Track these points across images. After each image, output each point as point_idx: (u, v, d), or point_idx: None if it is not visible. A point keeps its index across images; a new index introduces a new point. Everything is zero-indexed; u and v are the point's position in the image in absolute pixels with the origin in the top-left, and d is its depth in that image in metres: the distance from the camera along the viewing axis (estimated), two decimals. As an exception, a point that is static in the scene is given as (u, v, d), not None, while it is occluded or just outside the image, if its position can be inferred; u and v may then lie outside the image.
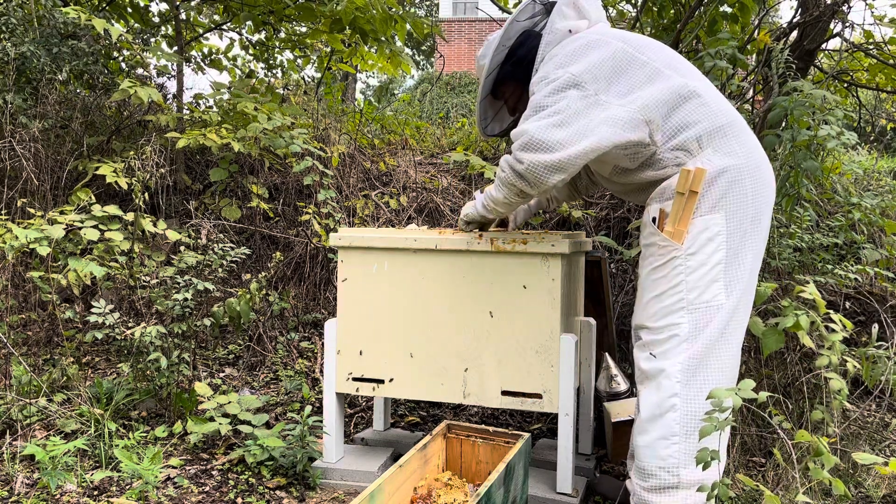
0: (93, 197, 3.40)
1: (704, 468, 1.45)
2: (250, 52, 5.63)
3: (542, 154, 1.81)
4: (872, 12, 3.63)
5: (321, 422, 2.41)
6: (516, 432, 2.10)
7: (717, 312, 1.81)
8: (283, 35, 5.26)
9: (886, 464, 1.48)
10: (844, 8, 3.35)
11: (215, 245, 3.04)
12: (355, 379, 2.36)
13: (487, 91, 2.20)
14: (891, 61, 3.74)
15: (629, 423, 2.39)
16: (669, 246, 1.83)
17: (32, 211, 3.18)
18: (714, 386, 1.79)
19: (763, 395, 1.42)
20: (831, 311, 2.07)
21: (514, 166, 1.88)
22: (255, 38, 5.48)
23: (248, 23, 4.79)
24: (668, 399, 1.80)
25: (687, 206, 1.81)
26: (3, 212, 3.37)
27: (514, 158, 1.88)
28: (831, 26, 3.48)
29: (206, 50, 5.48)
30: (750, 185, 1.85)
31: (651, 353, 1.86)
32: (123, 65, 4.55)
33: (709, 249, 1.81)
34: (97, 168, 3.52)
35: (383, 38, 4.49)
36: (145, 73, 4.58)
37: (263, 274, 3.38)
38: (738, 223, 1.83)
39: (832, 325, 2.12)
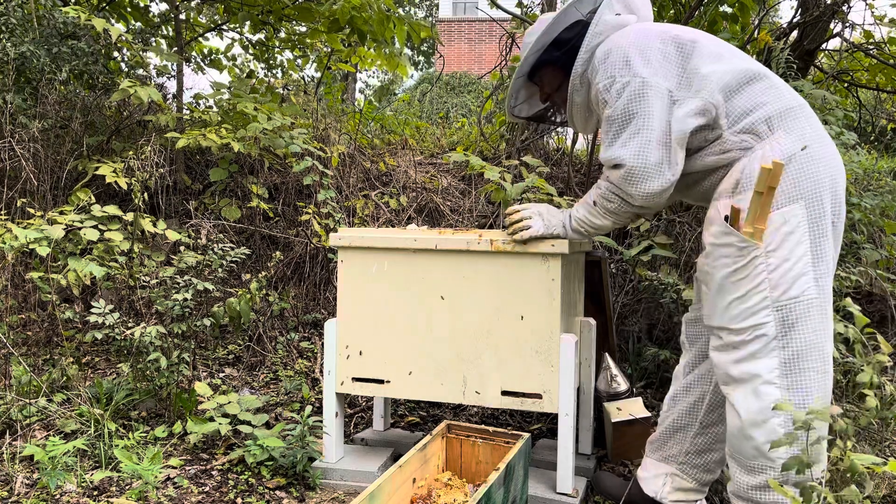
0: (92, 197, 3.40)
1: (798, 473, 1.45)
2: (250, 51, 5.63)
3: (649, 182, 1.82)
4: (872, 12, 3.63)
5: (321, 422, 2.41)
6: (516, 432, 2.10)
7: (809, 308, 1.72)
8: (282, 35, 5.27)
9: (885, 464, 1.48)
10: (844, 8, 3.36)
11: (215, 245, 3.04)
12: (355, 379, 2.36)
13: (524, 71, 2.16)
14: (891, 61, 3.74)
15: (629, 423, 2.39)
16: (749, 246, 1.73)
17: (32, 211, 3.18)
18: (815, 387, 1.73)
19: (833, 410, 1.42)
20: (876, 333, 2.06)
21: (631, 200, 1.87)
22: (255, 38, 5.48)
23: (248, 22, 4.79)
24: (771, 405, 1.71)
25: (765, 203, 1.71)
26: (3, 212, 3.37)
27: (624, 193, 1.86)
28: (831, 26, 3.48)
29: (206, 50, 5.48)
30: (825, 169, 1.76)
31: (738, 356, 1.78)
32: (123, 65, 4.55)
33: (790, 244, 1.71)
34: (97, 168, 3.52)
35: (381, 40, 4.49)
36: (145, 73, 4.58)
37: (263, 274, 3.38)
38: (819, 210, 1.74)
39: (879, 343, 2.09)
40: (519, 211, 2.12)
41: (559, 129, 4.53)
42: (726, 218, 1.78)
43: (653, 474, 2.13)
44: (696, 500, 2.10)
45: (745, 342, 1.75)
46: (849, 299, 2.03)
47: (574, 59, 1.98)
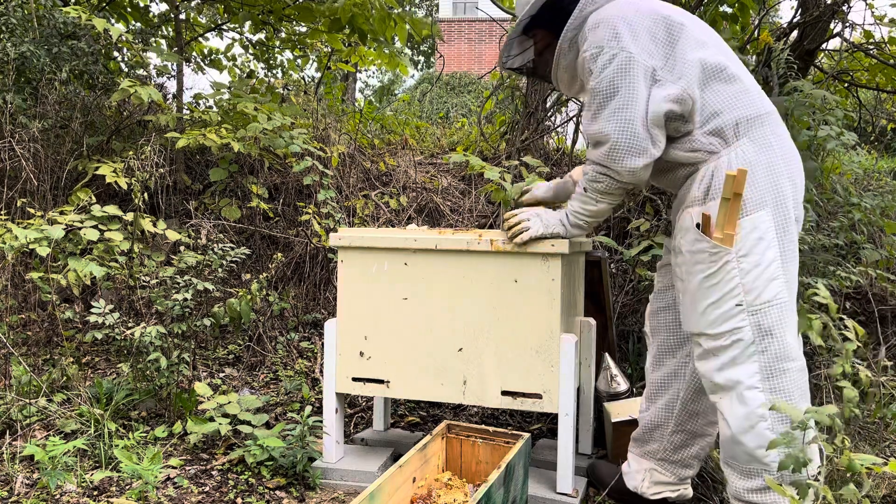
0: (93, 197, 3.40)
1: (794, 471, 1.46)
2: (250, 51, 5.63)
3: (634, 158, 1.83)
4: (872, 12, 3.63)
5: (321, 422, 2.41)
6: (516, 432, 2.10)
7: (783, 311, 1.77)
8: (283, 35, 5.27)
9: (886, 464, 1.48)
10: (844, 8, 3.35)
11: (215, 245, 3.04)
12: (355, 379, 2.36)
13: (518, 32, 2.17)
14: (891, 61, 3.74)
15: (629, 423, 2.39)
16: (721, 251, 1.77)
17: (32, 211, 3.18)
18: (795, 387, 1.77)
19: (830, 409, 1.41)
20: (844, 317, 2.05)
21: (618, 177, 1.88)
22: (255, 38, 5.48)
23: (248, 23, 4.79)
24: (756, 410, 1.75)
25: (732, 209, 1.76)
26: (3, 212, 3.37)
27: (611, 171, 1.88)
28: (831, 26, 3.48)
29: (205, 51, 5.48)
30: (789, 176, 1.83)
31: (720, 363, 1.80)
32: (123, 65, 4.55)
33: (760, 248, 1.76)
34: (97, 168, 3.52)
35: (382, 39, 4.49)
36: (145, 73, 4.58)
37: (263, 274, 3.38)
38: (784, 216, 1.80)
39: (846, 333, 2.08)
40: (516, 215, 2.14)
41: (559, 129, 4.53)
42: (698, 225, 1.82)
43: (634, 469, 2.18)
44: (677, 489, 2.14)
45: (725, 347, 1.79)
46: (821, 285, 2.03)
47: (564, 23, 1.99)
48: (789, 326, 1.78)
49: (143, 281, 3.13)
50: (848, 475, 1.52)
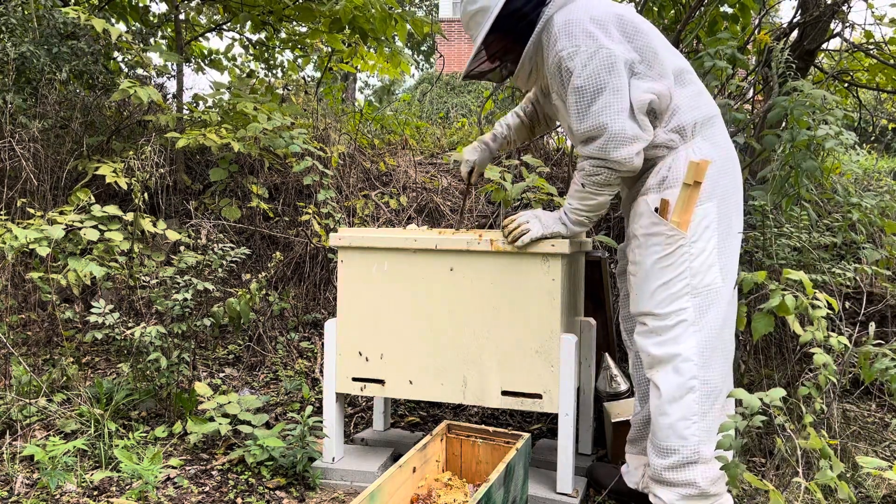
0: (92, 197, 3.40)
1: (726, 449, 1.54)
2: (250, 51, 5.63)
3: (629, 146, 1.90)
4: (872, 12, 3.63)
5: (321, 422, 2.41)
6: (516, 432, 2.10)
7: (717, 295, 1.92)
8: (283, 35, 5.27)
9: (891, 468, 1.48)
10: (844, 8, 3.35)
11: (215, 245, 3.04)
12: (355, 379, 2.36)
13: (480, 42, 2.11)
14: (891, 61, 3.74)
15: (629, 424, 2.39)
16: (677, 235, 1.90)
17: (32, 211, 3.18)
18: (721, 368, 1.93)
19: (777, 392, 1.44)
20: (818, 291, 2.06)
21: (617, 167, 1.94)
22: (255, 38, 5.48)
23: (248, 23, 4.79)
24: (688, 381, 1.90)
25: (692, 197, 1.89)
26: (3, 212, 3.37)
27: (609, 162, 1.93)
28: (831, 26, 3.47)
29: (205, 51, 5.48)
30: (733, 175, 1.99)
31: (661, 340, 1.93)
32: (123, 65, 4.55)
33: (707, 236, 1.91)
34: (97, 168, 3.52)
35: (383, 38, 4.48)
36: (145, 73, 4.58)
37: (263, 274, 3.39)
38: (726, 211, 1.95)
39: (817, 303, 2.09)
40: (515, 219, 2.15)
41: (559, 128, 4.52)
42: (656, 209, 1.94)
43: (633, 467, 2.21)
44: None
45: (669, 327, 1.92)
46: (800, 273, 2.03)
47: (519, 26, 2.02)
48: (720, 309, 1.92)
49: (143, 281, 3.13)
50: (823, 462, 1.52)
